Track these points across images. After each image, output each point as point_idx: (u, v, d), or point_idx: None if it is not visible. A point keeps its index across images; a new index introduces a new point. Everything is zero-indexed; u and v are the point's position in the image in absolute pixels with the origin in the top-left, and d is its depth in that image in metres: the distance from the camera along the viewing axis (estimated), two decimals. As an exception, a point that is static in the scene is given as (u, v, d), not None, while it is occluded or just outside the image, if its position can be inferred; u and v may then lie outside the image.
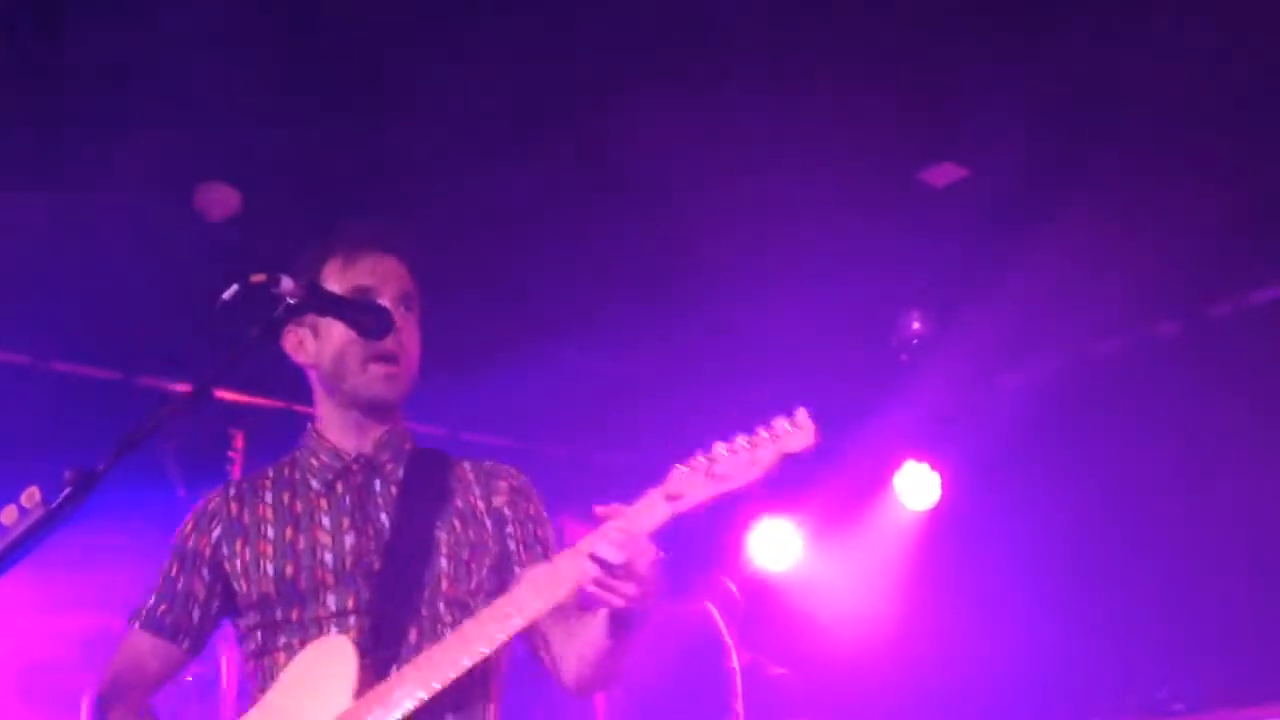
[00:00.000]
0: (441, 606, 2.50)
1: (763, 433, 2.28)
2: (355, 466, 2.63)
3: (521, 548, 2.62)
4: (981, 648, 6.37)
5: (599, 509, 2.30)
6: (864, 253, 5.54)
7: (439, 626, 2.47)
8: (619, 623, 2.32)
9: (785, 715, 5.34)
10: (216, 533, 2.63)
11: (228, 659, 4.81)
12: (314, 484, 2.64)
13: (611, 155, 4.86)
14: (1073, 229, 5.18)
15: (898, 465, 6.76)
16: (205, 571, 2.63)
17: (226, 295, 2.21)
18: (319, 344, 2.62)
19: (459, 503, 2.62)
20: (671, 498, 2.27)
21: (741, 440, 2.28)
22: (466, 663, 2.31)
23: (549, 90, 4.49)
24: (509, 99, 4.50)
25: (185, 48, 4.07)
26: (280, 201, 4.91)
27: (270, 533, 2.59)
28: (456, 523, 2.59)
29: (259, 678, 2.54)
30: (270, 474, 2.71)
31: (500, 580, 2.58)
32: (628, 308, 5.80)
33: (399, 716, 2.30)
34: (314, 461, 2.67)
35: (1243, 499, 5.67)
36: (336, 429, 2.67)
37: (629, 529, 2.24)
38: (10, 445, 5.02)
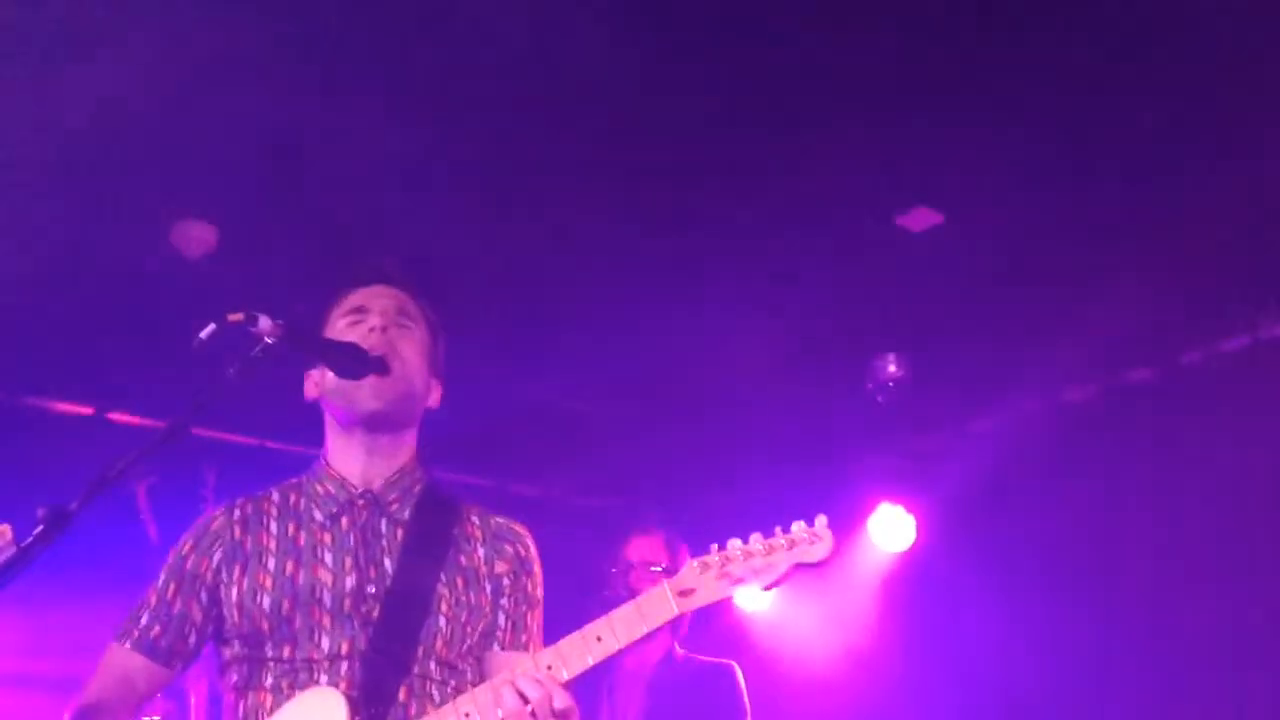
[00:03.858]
0: (433, 666, 2.46)
1: (780, 538, 2.32)
2: (361, 502, 2.59)
3: (509, 628, 2.59)
4: (956, 689, 6.36)
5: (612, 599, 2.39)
6: (841, 296, 5.57)
7: (429, 685, 2.44)
8: None
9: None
10: (217, 556, 2.57)
11: (196, 699, 4.77)
12: (318, 515, 2.59)
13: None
14: (1047, 276, 5.22)
15: (873, 507, 6.76)
16: (203, 595, 2.56)
17: (203, 334, 2.20)
18: (324, 372, 2.62)
19: (463, 560, 2.57)
20: (684, 594, 2.30)
21: (757, 542, 2.32)
22: None
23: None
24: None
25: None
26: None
27: (271, 564, 2.53)
28: (459, 581, 2.54)
29: (240, 714, 2.49)
30: (275, 498, 2.65)
31: (482, 648, 2.57)
32: (607, 351, 5.80)
33: None
34: (319, 489, 2.62)
35: (1214, 543, 5.70)
36: (343, 458, 2.63)
37: (543, 679, 2.28)
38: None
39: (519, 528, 2.69)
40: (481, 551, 2.60)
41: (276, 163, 4.44)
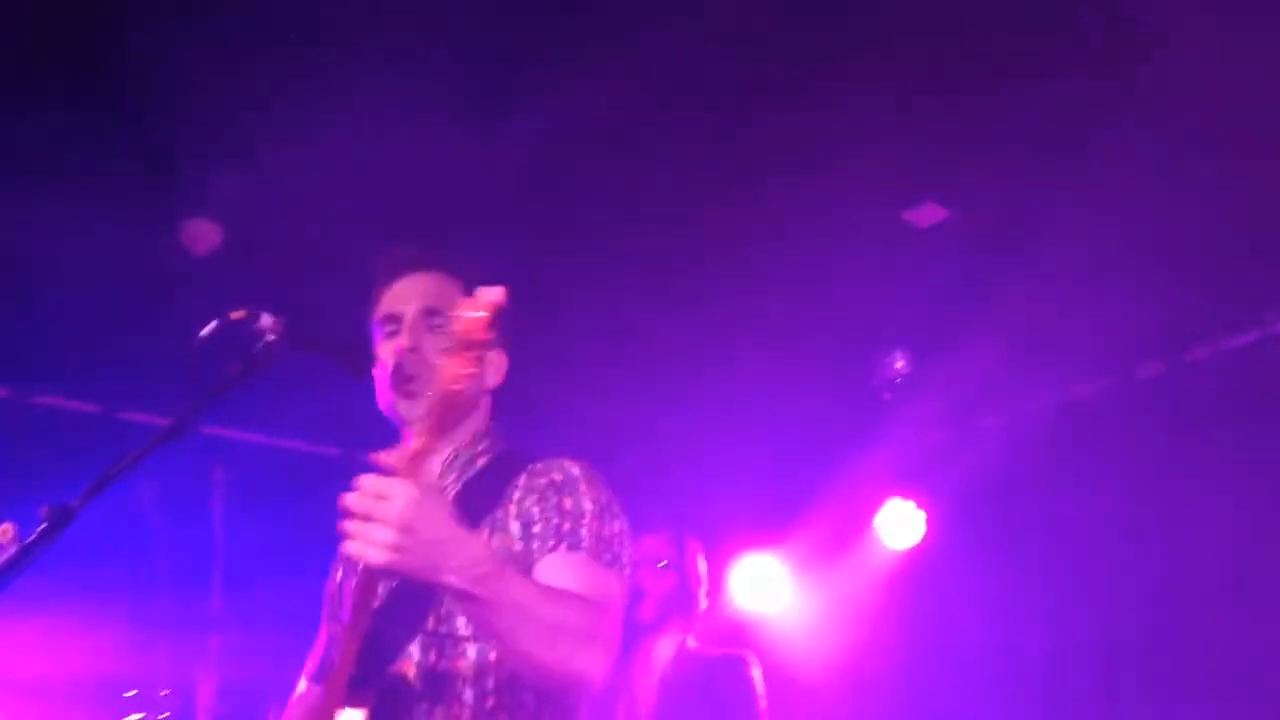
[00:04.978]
0: (461, 621, 2.37)
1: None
2: None
3: (535, 543, 2.40)
4: (965, 686, 6.36)
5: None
6: (848, 291, 5.57)
7: (450, 641, 2.38)
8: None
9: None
10: (339, 574, 2.71)
11: (202, 697, 4.78)
12: None
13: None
14: (1054, 271, 5.21)
15: (880, 503, 6.76)
16: (338, 612, 2.69)
17: (206, 332, 2.22)
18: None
19: (499, 511, 2.47)
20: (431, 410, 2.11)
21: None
22: None
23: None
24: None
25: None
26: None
27: (356, 567, 2.57)
28: (486, 531, 2.43)
29: None
30: None
31: None
32: (614, 348, 5.81)
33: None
34: None
35: (1222, 539, 5.68)
36: None
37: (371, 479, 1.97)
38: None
39: (565, 460, 2.53)
40: (518, 494, 2.48)
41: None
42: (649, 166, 4.72)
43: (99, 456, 2.21)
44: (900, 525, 6.70)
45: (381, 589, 2.41)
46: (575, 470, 2.49)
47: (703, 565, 4.66)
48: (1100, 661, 6.01)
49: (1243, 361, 5.74)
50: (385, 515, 1.90)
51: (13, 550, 1.93)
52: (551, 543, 2.38)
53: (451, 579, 1.99)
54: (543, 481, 2.47)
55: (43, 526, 1.95)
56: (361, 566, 2.10)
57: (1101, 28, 4.05)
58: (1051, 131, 4.57)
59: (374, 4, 3.93)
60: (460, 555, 1.99)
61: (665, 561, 4.53)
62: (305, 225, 4.86)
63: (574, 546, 2.37)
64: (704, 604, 4.63)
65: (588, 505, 2.44)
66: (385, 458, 2.05)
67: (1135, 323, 5.58)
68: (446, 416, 2.13)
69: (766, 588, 6.91)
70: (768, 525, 6.88)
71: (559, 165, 4.68)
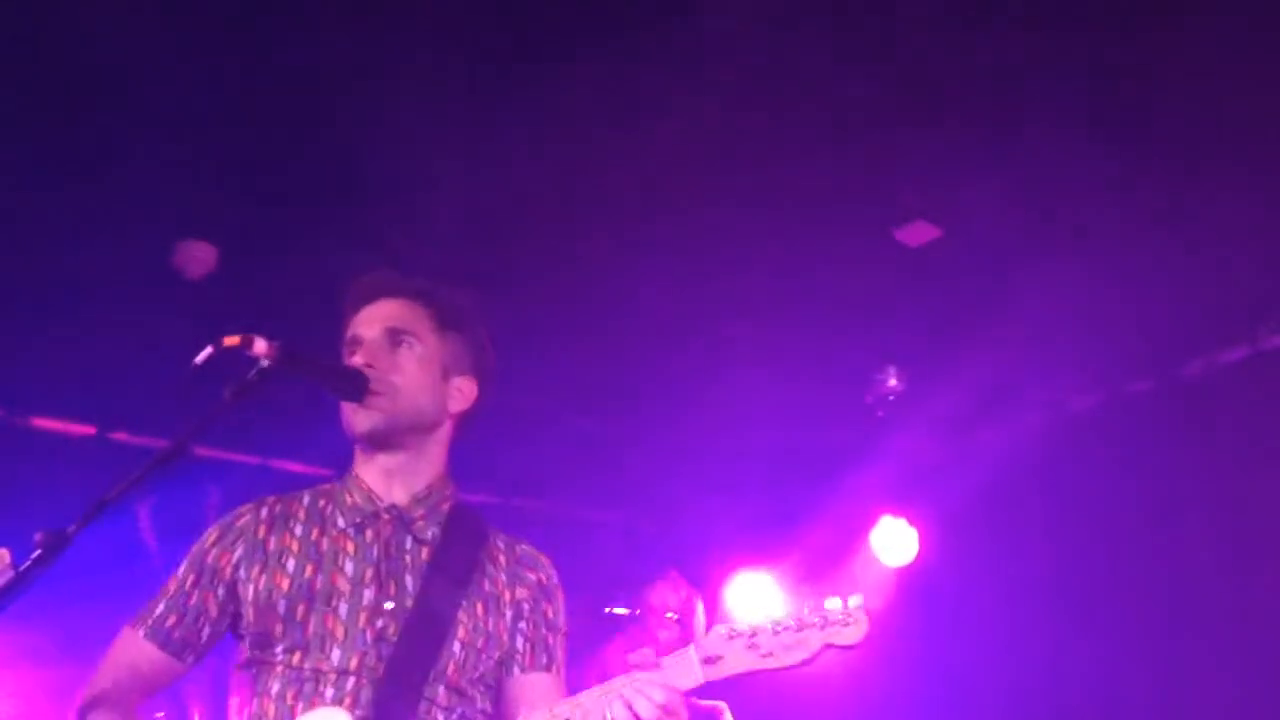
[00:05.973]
0: (442, 690, 2.46)
1: (813, 615, 2.26)
2: (386, 515, 2.59)
3: (529, 650, 2.60)
4: (959, 704, 6.35)
5: (632, 657, 2.34)
6: (841, 310, 5.58)
7: (434, 711, 2.44)
8: None
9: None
10: (239, 552, 2.58)
11: (200, 713, 4.78)
12: (341, 522, 2.59)
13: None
14: (1045, 288, 5.23)
15: (874, 521, 6.76)
16: (221, 590, 2.57)
17: (200, 358, 2.22)
18: None
19: (486, 585, 2.58)
20: (709, 660, 2.26)
21: (789, 618, 2.26)
22: None
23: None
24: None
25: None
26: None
27: (290, 565, 2.53)
28: (479, 607, 2.55)
29: (246, 716, 2.51)
30: (305, 500, 2.66)
31: (500, 675, 2.58)
32: (609, 365, 5.81)
33: None
34: (347, 499, 2.62)
35: (1216, 552, 5.70)
36: (367, 472, 2.64)
37: (668, 686, 2.25)
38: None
39: (543, 557, 2.71)
40: (504, 577, 2.61)
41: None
42: (647, 182, 4.73)
43: (94, 479, 2.22)
44: (894, 542, 6.70)
45: (388, 648, 2.47)
46: (554, 575, 2.71)
47: (701, 621, 4.76)
48: (1097, 675, 6.01)
49: (1235, 377, 5.76)
50: None
51: (7, 576, 1.93)
52: (545, 659, 2.62)
53: None
54: (531, 577, 2.66)
55: (37, 553, 1.95)
56: None
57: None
58: (1041, 149, 4.58)
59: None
60: None
61: (674, 614, 4.63)
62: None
63: (557, 670, 2.62)
64: None
65: (561, 621, 2.68)
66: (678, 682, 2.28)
67: (1127, 339, 5.59)
68: None
69: (760, 605, 6.90)
70: (762, 542, 6.88)
71: (555, 176, 4.69)
